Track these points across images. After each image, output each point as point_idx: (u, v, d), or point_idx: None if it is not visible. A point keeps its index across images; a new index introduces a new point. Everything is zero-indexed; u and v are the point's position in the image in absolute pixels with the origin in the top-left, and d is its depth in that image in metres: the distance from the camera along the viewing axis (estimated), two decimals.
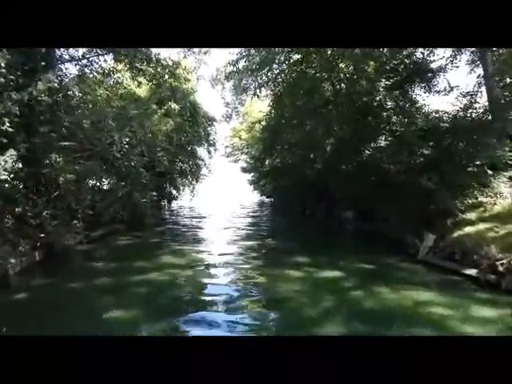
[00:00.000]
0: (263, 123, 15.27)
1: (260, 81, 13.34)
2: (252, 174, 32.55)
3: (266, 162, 22.62)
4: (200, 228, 13.02)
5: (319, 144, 15.12)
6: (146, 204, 10.76)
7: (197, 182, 21.36)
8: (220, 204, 28.33)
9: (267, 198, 32.71)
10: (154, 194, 11.06)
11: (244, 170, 33.94)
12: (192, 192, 22.35)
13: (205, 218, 16.83)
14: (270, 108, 14.68)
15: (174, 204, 24.50)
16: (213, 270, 6.79)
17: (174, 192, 22.75)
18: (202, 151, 21.85)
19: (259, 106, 32.06)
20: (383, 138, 9.35)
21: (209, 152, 21.09)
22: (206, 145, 20.62)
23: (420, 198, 8.55)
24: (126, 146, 10.82)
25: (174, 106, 12.93)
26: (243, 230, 12.50)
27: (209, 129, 20.14)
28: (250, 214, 19.70)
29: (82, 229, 9.93)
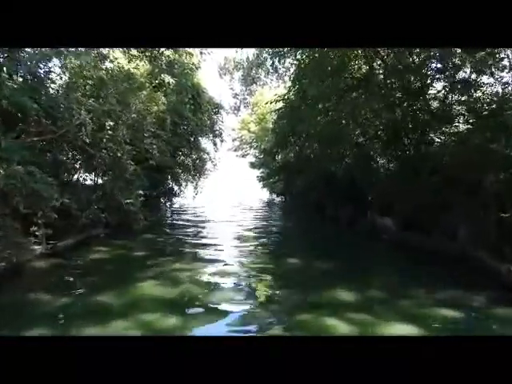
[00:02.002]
0: (280, 104, 12.63)
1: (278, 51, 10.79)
2: (261, 169, 30.10)
3: (279, 157, 20.11)
4: (202, 235, 10.55)
5: (347, 134, 12.58)
6: (132, 204, 8.36)
7: (200, 177, 18.96)
8: (226, 203, 25.81)
9: (278, 196, 30.22)
10: (141, 192, 8.63)
11: (253, 165, 31.49)
12: (195, 189, 19.99)
13: (208, 222, 14.22)
14: (288, 89, 12.10)
15: (176, 202, 22.17)
16: (211, 317, 4.35)
17: (176, 189, 20.50)
18: (206, 143, 19.44)
19: (270, 95, 29.59)
20: (461, 120, 6.78)
21: (214, 144, 18.63)
22: (211, 135, 18.16)
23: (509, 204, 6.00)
24: (110, 132, 8.45)
25: (168, 79, 10.40)
26: (254, 238, 10.06)
27: (214, 117, 17.65)
28: (261, 216, 17.23)
29: (45, 238, 7.66)
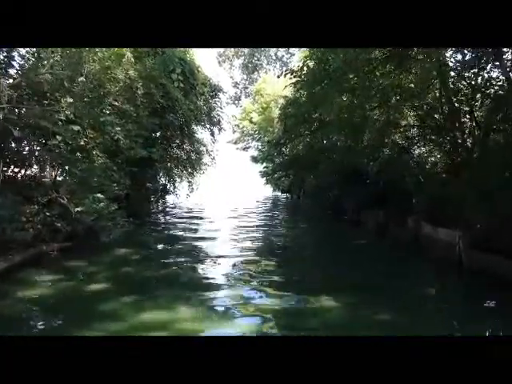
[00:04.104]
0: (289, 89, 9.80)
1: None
2: (264, 164, 27.48)
3: (286, 149, 17.51)
4: (193, 252, 7.77)
5: (374, 119, 10.01)
6: (86, 212, 5.79)
7: (195, 173, 16.37)
8: (226, 202, 23.00)
9: (283, 193, 27.60)
10: (100, 195, 6.00)
11: (255, 159, 28.83)
12: (190, 186, 17.39)
13: (204, 231, 10.98)
14: (303, 60, 9.41)
15: (170, 200, 19.57)
16: None
17: (168, 186, 17.90)
18: (202, 133, 16.77)
19: (275, 82, 26.90)
20: None
21: (212, 134, 15.96)
22: (207, 124, 15.49)
23: None
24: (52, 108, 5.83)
25: None
26: (264, 257, 7.48)
27: (211, 101, 14.97)
28: (268, 219, 14.59)
29: None
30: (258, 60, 36.61)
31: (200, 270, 6.27)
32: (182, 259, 7.23)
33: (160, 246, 8.38)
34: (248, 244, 8.71)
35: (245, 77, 38.72)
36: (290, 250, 8.53)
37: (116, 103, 6.28)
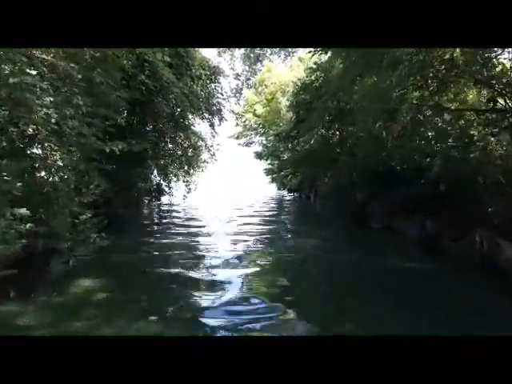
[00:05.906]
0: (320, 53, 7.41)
1: None
2: (269, 161, 25.25)
3: (298, 143, 15.26)
4: (179, 294, 5.28)
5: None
6: (12, 236, 3.60)
7: (190, 171, 14.21)
8: (226, 208, 20.35)
9: (290, 192, 25.32)
10: (24, 210, 3.76)
11: (259, 156, 26.55)
12: (187, 186, 15.25)
13: (198, 250, 7.92)
14: None
15: (167, 201, 17.39)
16: None
17: (159, 186, 15.76)
18: (200, 125, 14.57)
19: (280, 70, 24.62)
20: None
21: (211, 125, 13.70)
22: (206, 114, 13.23)
23: None
24: None
25: None
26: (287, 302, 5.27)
27: (211, 86, 12.70)
28: (277, 226, 12.26)
29: None
30: (261, 49, 34.26)
31: (193, 328, 3.99)
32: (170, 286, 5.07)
33: (138, 276, 6.10)
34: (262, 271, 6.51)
35: (247, 68, 36.46)
36: (325, 279, 6.32)
37: (46, 57, 4.00)
